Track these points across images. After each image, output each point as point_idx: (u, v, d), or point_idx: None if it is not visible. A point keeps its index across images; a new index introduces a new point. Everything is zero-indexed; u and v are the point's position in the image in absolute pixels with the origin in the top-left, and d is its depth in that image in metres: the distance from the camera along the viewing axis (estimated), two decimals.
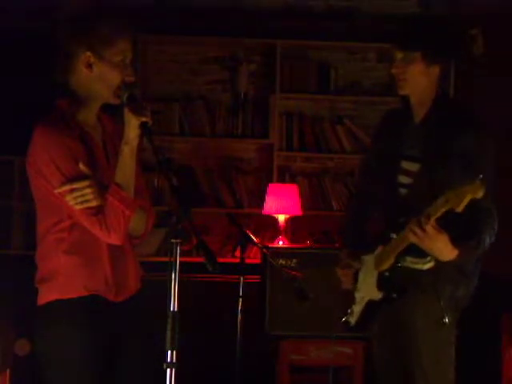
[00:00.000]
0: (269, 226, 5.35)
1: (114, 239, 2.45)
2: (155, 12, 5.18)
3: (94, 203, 2.41)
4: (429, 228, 2.62)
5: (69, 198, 2.40)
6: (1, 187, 5.26)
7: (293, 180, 5.51)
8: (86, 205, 2.41)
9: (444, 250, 2.69)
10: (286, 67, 5.51)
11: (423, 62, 2.81)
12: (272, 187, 5.15)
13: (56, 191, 2.41)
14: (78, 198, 2.40)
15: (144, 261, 2.76)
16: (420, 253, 2.78)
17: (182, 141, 5.55)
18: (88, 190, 2.40)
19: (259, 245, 3.77)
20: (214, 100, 5.58)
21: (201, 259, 2.20)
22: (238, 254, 3.85)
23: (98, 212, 2.41)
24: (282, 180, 5.47)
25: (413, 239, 2.70)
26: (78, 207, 2.41)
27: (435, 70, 2.85)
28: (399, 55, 2.84)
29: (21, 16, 5.14)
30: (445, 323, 2.79)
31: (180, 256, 2.22)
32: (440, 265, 2.77)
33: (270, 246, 4.79)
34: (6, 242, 5.26)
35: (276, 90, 5.45)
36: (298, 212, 5.11)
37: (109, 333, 2.51)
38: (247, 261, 3.64)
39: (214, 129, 5.53)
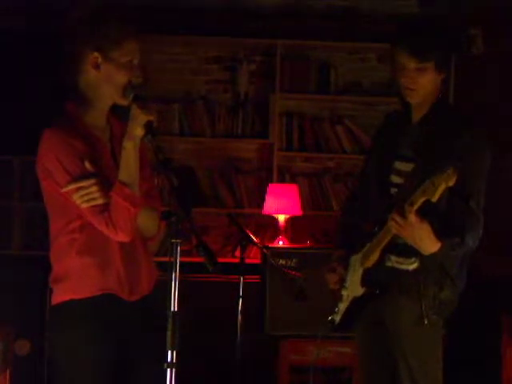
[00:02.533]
0: (269, 226, 5.35)
1: (122, 237, 2.45)
2: (155, 12, 5.18)
3: (100, 201, 2.42)
4: (411, 216, 2.59)
5: (75, 197, 2.41)
6: (1, 187, 5.26)
7: (293, 180, 5.51)
8: (92, 203, 2.41)
9: (426, 239, 2.64)
10: (285, 67, 5.50)
11: (435, 71, 2.80)
12: (272, 187, 5.15)
13: (63, 190, 2.42)
14: (84, 196, 2.41)
15: None
16: (405, 253, 2.77)
17: (182, 141, 5.54)
18: (94, 189, 2.41)
19: (259, 245, 3.78)
20: (214, 100, 5.58)
21: (201, 259, 2.21)
22: (238, 253, 3.85)
23: (105, 210, 2.41)
24: (282, 180, 5.47)
25: (394, 229, 2.67)
26: (84, 205, 2.42)
27: (441, 76, 2.85)
28: (412, 65, 2.79)
29: (21, 16, 5.14)
30: (425, 324, 2.78)
31: (180, 256, 2.23)
32: (425, 266, 2.76)
33: (270, 245, 4.78)
34: (6, 242, 5.26)
35: (276, 89, 5.45)
36: (298, 212, 5.11)
37: (122, 332, 2.51)
38: (247, 261, 3.65)
39: (214, 129, 5.53)
